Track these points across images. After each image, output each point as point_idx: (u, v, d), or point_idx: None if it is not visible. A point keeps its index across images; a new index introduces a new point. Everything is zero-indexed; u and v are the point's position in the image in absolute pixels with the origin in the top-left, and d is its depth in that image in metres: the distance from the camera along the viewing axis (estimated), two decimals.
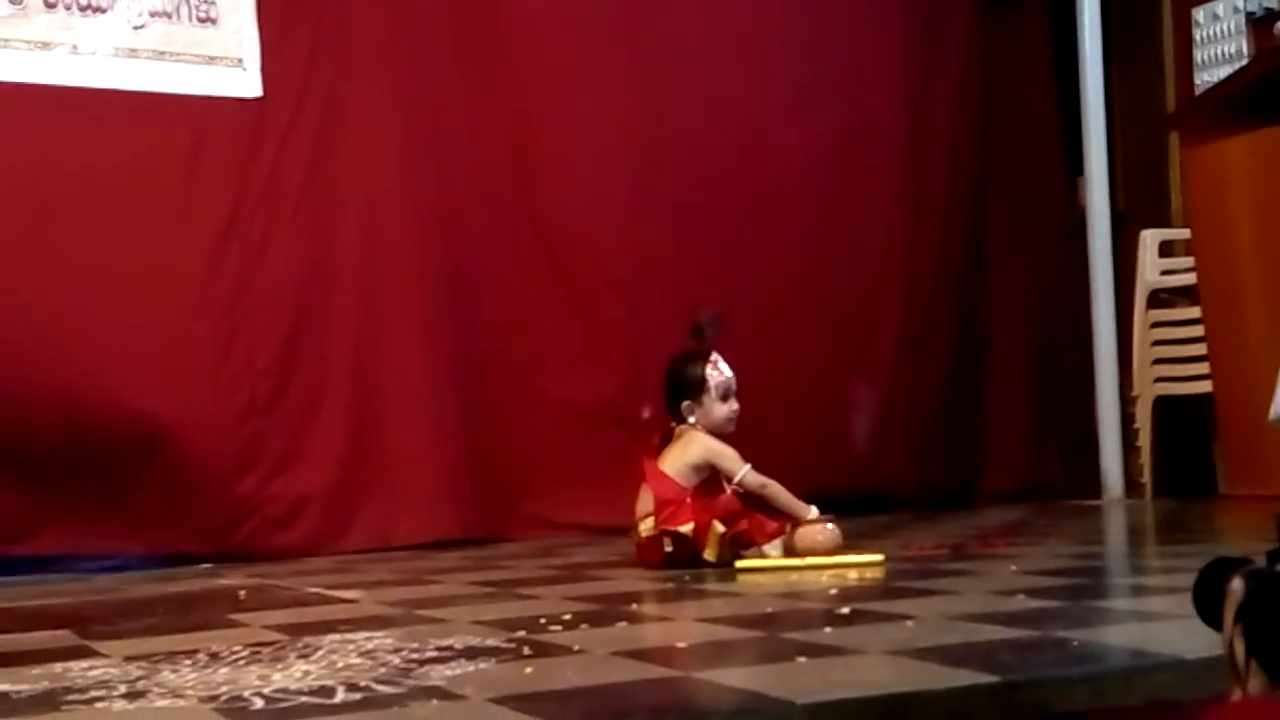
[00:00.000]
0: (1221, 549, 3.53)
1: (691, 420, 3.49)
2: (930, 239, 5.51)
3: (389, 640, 2.28)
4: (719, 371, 3.51)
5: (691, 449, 3.46)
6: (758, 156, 5.18)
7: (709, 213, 5.08)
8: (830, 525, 3.41)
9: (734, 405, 3.52)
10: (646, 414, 3.62)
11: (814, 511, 3.44)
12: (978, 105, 5.67)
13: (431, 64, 4.78)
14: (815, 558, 3.29)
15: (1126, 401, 5.41)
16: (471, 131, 4.82)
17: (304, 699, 1.80)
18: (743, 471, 3.43)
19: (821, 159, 5.30)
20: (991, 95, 5.71)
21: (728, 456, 3.45)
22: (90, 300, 4.24)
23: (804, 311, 5.19)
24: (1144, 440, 5.36)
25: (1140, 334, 5.36)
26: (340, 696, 1.80)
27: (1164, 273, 5.37)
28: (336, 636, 2.34)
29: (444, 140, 4.78)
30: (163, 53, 4.43)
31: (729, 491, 3.41)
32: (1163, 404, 5.32)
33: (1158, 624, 2.19)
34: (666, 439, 3.52)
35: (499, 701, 1.72)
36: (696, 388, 3.50)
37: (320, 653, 2.17)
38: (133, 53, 4.40)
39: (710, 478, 3.45)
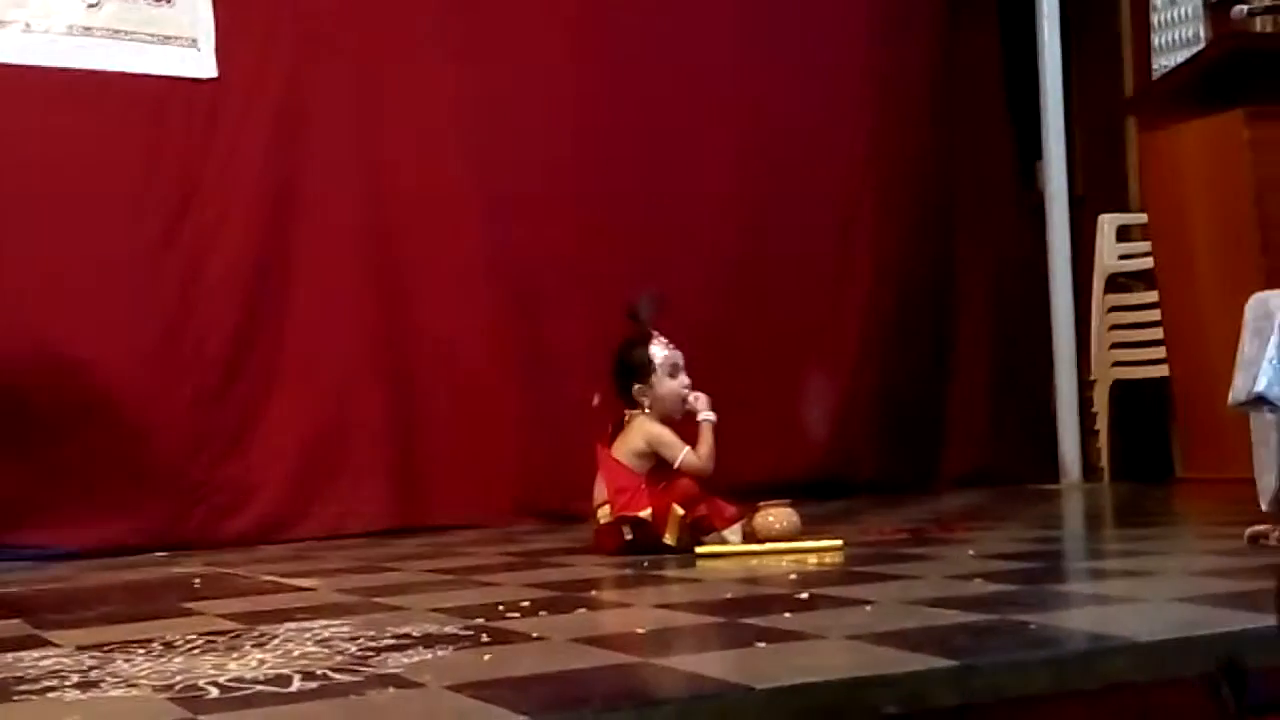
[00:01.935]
0: (1180, 533, 3.56)
1: (644, 402, 3.48)
2: (892, 225, 5.51)
3: (346, 628, 2.26)
4: (662, 350, 3.49)
5: (633, 436, 3.45)
6: (723, 136, 5.17)
7: (672, 195, 5.07)
8: (790, 510, 3.41)
9: (684, 380, 3.51)
10: (596, 401, 3.61)
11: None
12: (939, 90, 5.67)
13: (394, 46, 4.75)
14: (775, 543, 3.29)
15: (1084, 386, 5.43)
16: (434, 116, 4.79)
17: (260, 688, 1.78)
18: (682, 454, 3.42)
19: (788, 140, 5.29)
20: (949, 81, 5.71)
21: (666, 441, 3.44)
22: (38, 282, 4.19)
23: (764, 296, 5.19)
24: (1102, 424, 5.39)
25: (1098, 318, 5.39)
26: (296, 685, 1.79)
27: (1122, 257, 5.39)
28: (293, 625, 2.33)
29: (404, 125, 4.75)
30: (117, 31, 4.39)
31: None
32: (1120, 388, 5.35)
33: (1115, 607, 2.20)
34: (619, 426, 3.51)
35: (456, 689, 1.71)
36: (644, 369, 3.48)
37: (276, 641, 2.15)
38: (87, 31, 4.35)
39: (664, 463, 3.44)
